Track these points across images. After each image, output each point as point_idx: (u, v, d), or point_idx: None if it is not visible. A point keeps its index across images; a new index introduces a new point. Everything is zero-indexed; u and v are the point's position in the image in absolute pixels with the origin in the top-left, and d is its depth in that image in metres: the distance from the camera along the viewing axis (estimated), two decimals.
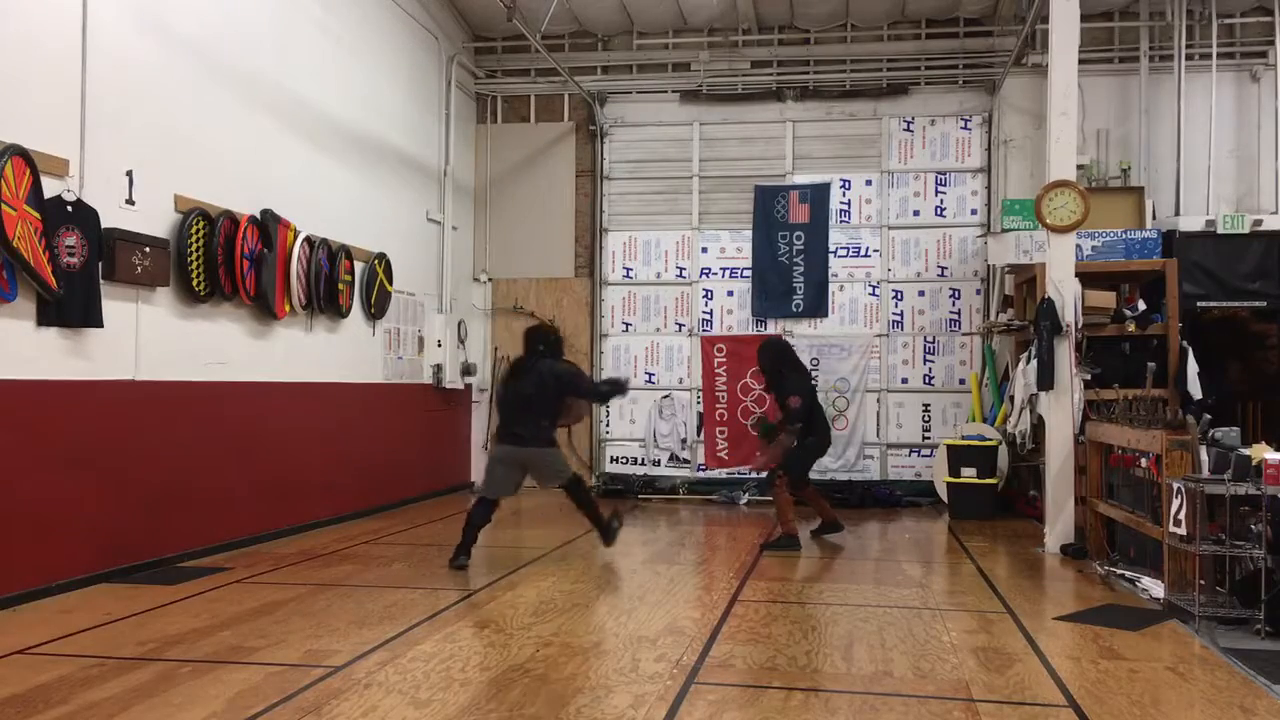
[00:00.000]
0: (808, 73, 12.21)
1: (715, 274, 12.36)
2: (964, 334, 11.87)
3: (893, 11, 11.83)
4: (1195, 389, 9.32)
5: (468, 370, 12.07)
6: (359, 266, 9.81)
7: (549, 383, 7.50)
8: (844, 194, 12.11)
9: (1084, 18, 8.75)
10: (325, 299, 9.08)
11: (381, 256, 10.21)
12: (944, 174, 11.96)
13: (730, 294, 12.32)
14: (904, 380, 11.99)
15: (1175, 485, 5.94)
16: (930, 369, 11.95)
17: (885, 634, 5.50)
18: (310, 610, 5.92)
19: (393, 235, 10.56)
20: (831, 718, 4.16)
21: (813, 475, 9.26)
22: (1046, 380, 8.33)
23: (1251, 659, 5.02)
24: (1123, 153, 11.36)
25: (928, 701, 4.34)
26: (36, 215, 5.88)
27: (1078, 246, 8.86)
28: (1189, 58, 11.10)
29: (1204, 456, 6.09)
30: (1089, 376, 8.78)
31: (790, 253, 12.11)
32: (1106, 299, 9.61)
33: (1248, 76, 11.28)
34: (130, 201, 6.79)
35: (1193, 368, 9.43)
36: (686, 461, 12.29)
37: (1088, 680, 4.67)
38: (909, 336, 11.98)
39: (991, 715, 4.18)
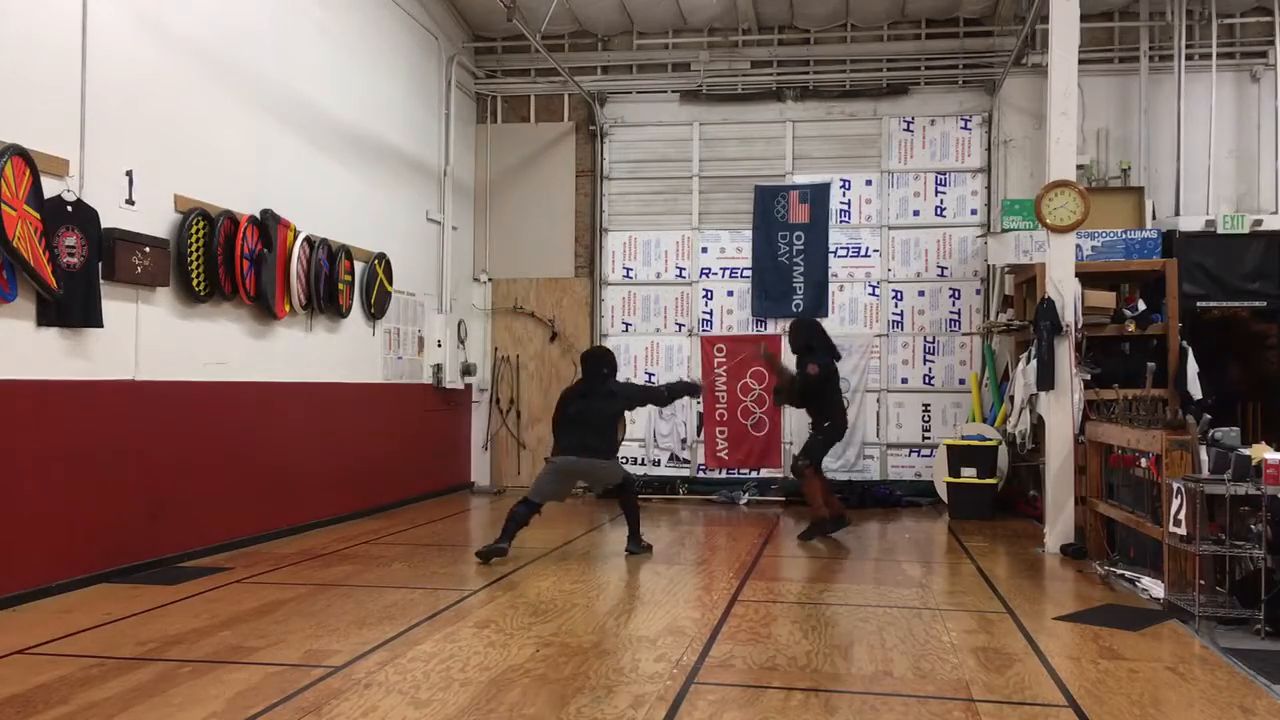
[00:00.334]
0: (808, 73, 12.21)
1: (715, 274, 12.36)
2: (964, 334, 11.87)
3: (893, 11, 11.83)
4: (1195, 389, 9.32)
5: (468, 370, 12.06)
6: (359, 266, 9.81)
7: (621, 401, 8.25)
8: (844, 194, 12.11)
9: (1084, 18, 8.75)
10: (325, 299, 9.08)
11: (381, 256, 10.21)
12: (944, 174, 11.96)
13: (730, 294, 12.32)
14: (904, 380, 11.99)
15: (1175, 485, 5.94)
16: (930, 369, 11.95)
17: (885, 634, 5.50)
18: (310, 610, 5.92)
19: (393, 235, 10.56)
20: (831, 718, 4.16)
21: None
22: (1046, 380, 8.33)
23: (1251, 659, 5.02)
24: (1123, 153, 11.36)
25: (928, 701, 4.34)
26: (36, 215, 5.88)
27: (1078, 246, 8.86)
28: (1189, 58, 11.10)
29: (1204, 456, 6.09)
30: (1089, 376, 8.78)
31: (790, 253, 12.11)
32: (1106, 299, 9.61)
33: (1248, 76, 11.28)
34: (130, 201, 6.79)
35: (1193, 368, 9.43)
36: (686, 461, 12.29)
37: (1088, 680, 4.67)
38: (909, 336, 11.99)
39: (991, 715, 4.18)
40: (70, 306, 6.22)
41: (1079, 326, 8.47)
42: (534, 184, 12.65)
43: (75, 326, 6.31)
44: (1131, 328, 9.57)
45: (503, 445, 12.62)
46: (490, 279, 12.73)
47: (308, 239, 8.73)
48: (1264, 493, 5.47)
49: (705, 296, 12.37)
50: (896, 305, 12.00)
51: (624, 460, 12.36)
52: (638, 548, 8.00)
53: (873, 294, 12.04)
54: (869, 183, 12.08)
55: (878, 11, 11.83)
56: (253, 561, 7.40)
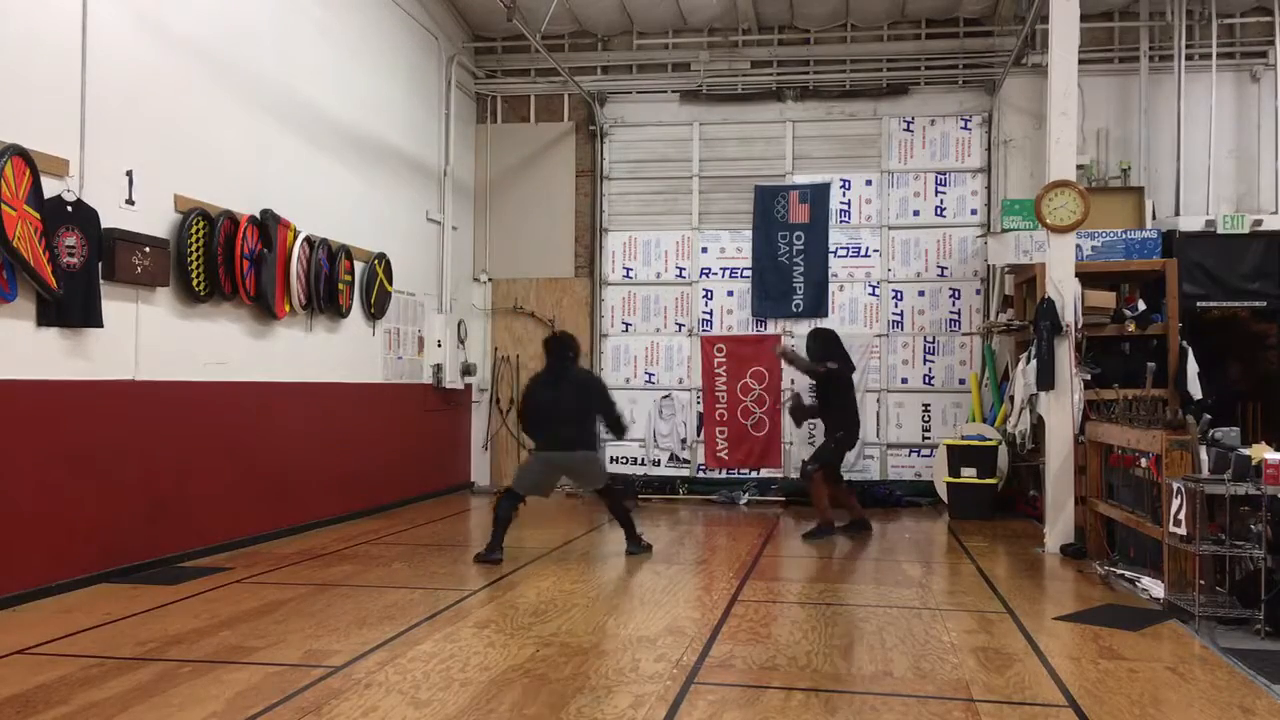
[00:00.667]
0: (808, 73, 12.21)
1: (715, 274, 12.36)
2: (964, 334, 11.87)
3: (893, 11, 11.83)
4: (1195, 389, 9.32)
5: (468, 370, 12.06)
6: (359, 266, 9.81)
7: (590, 389, 8.01)
8: (844, 194, 12.11)
9: (1084, 18, 8.75)
10: (325, 299, 9.08)
11: (381, 256, 10.21)
12: (944, 174, 11.96)
13: (730, 294, 12.32)
14: (904, 380, 11.99)
15: (1175, 485, 5.94)
16: (930, 369, 11.95)
17: (885, 634, 5.50)
18: (310, 610, 5.92)
19: (393, 235, 10.56)
20: (831, 718, 4.16)
21: None
22: (1046, 380, 8.33)
23: (1251, 659, 5.02)
24: (1123, 153, 11.36)
25: (928, 701, 4.35)
26: (36, 215, 5.88)
27: (1078, 246, 8.86)
28: (1189, 58, 11.10)
29: (1204, 456, 6.09)
30: (1089, 376, 8.78)
31: (790, 253, 12.11)
32: (1106, 299, 9.61)
33: (1248, 76, 11.28)
34: (130, 201, 6.79)
35: (1193, 368, 9.42)
36: (686, 461, 12.29)
37: (1088, 680, 4.68)
38: (909, 336, 11.98)
39: (991, 715, 4.18)
40: (70, 306, 6.22)
41: (1079, 326, 8.47)
42: (534, 184, 12.65)
43: (75, 326, 6.31)
44: (1131, 328, 9.57)
45: (503, 445, 12.62)
46: (490, 279, 12.73)
47: (308, 239, 8.73)
48: (1264, 493, 5.47)
49: (705, 296, 12.36)
50: (896, 305, 12.00)
51: (624, 460, 12.58)
52: (637, 548, 7.99)
53: (873, 294, 12.04)
54: (869, 183, 12.07)
55: (878, 11, 11.82)
56: (253, 561, 7.40)
